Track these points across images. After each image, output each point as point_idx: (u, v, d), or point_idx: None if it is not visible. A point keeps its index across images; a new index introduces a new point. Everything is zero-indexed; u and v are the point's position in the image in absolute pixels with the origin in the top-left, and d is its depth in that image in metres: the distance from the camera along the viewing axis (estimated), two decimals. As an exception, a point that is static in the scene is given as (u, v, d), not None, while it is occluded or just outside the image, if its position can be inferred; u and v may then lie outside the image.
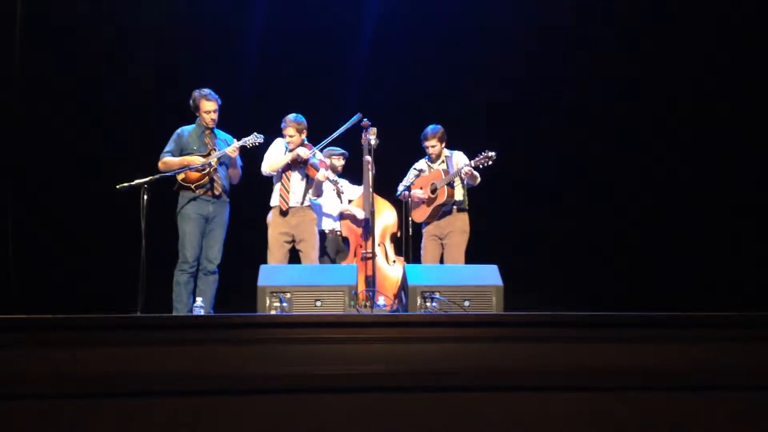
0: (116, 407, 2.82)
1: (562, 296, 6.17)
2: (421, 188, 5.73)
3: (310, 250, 5.53)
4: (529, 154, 6.83)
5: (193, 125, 5.49)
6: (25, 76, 6.33)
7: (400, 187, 5.91)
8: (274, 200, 5.60)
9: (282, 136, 5.61)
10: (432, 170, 5.77)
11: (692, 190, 6.64)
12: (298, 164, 5.55)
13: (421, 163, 5.91)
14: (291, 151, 5.57)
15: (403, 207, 5.81)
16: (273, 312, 4.12)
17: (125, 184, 4.96)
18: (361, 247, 5.81)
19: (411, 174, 5.92)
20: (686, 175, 6.67)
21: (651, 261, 6.66)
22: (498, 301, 4.26)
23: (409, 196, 5.78)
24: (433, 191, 5.64)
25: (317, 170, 5.51)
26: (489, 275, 4.41)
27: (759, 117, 6.55)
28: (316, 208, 5.96)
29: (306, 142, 5.61)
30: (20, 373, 2.82)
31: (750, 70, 6.56)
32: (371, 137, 5.43)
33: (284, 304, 4.13)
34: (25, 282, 6.15)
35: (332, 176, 5.75)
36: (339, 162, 6.10)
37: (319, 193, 5.72)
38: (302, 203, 5.58)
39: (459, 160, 5.73)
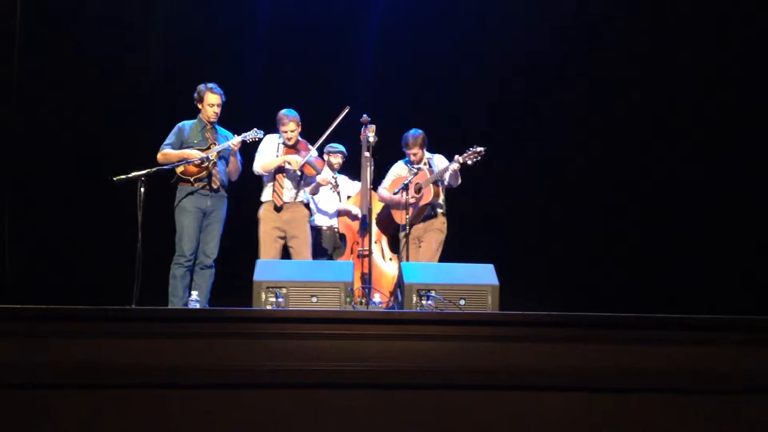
0: (109, 398, 2.82)
1: (557, 296, 6.17)
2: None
3: (303, 248, 5.54)
4: (528, 152, 6.84)
5: (194, 120, 5.49)
6: (23, 68, 6.31)
7: (382, 191, 5.81)
8: (266, 195, 5.60)
9: (276, 131, 5.62)
10: (411, 167, 5.75)
11: (692, 191, 6.64)
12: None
13: (401, 166, 5.89)
14: (288, 146, 5.58)
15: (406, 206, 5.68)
16: (268, 307, 4.11)
17: (122, 177, 4.94)
18: (357, 244, 5.80)
19: (390, 177, 5.89)
20: (686, 175, 6.67)
21: (649, 262, 6.65)
22: (494, 300, 4.25)
23: (407, 194, 5.68)
24: (418, 191, 5.61)
25: (315, 169, 5.52)
26: (485, 274, 4.39)
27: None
28: (314, 205, 5.98)
29: (302, 140, 5.61)
30: (12, 363, 2.82)
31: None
32: (370, 134, 5.42)
33: (280, 300, 4.12)
34: (20, 273, 6.13)
35: (331, 179, 5.76)
36: (336, 160, 6.09)
37: (316, 191, 5.74)
38: (295, 199, 5.58)
39: (440, 162, 5.72)
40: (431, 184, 5.57)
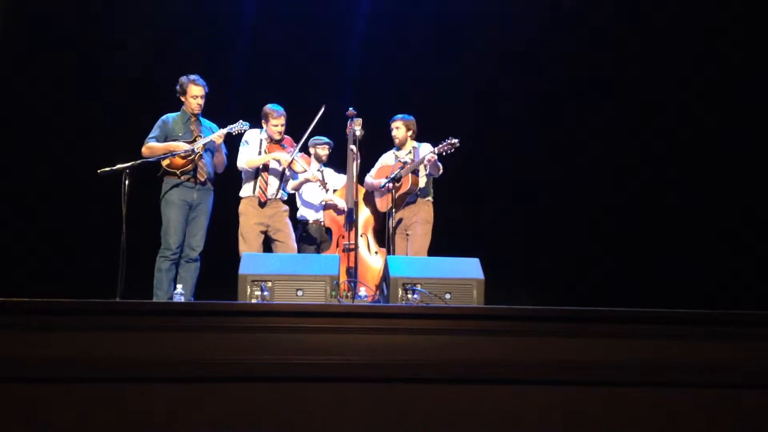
0: (92, 393, 2.80)
1: (542, 290, 6.20)
2: (385, 178, 5.74)
3: (288, 240, 5.58)
4: (515, 147, 6.86)
5: (178, 112, 5.46)
6: (2, 63, 6.24)
7: (368, 178, 5.91)
8: (247, 191, 5.59)
9: (259, 125, 5.60)
10: (397, 161, 5.78)
11: (676, 186, 6.69)
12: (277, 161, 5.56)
13: (389, 155, 5.92)
14: (274, 141, 5.59)
15: (392, 197, 5.73)
16: (253, 300, 4.10)
17: (106, 169, 4.91)
18: (343, 237, 5.80)
19: (377, 165, 5.95)
20: (672, 172, 6.72)
21: (639, 257, 6.68)
22: (479, 294, 4.26)
23: (392, 187, 5.72)
24: (397, 180, 5.64)
25: (302, 166, 5.55)
26: (471, 268, 4.40)
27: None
28: (299, 198, 5.99)
29: (286, 136, 5.63)
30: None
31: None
32: (356, 128, 5.41)
33: (265, 293, 4.11)
34: (2, 267, 6.08)
35: (319, 175, 5.79)
36: (323, 152, 6.09)
37: (299, 188, 5.77)
38: (276, 195, 5.59)
39: (425, 151, 5.75)
40: (410, 174, 5.63)
